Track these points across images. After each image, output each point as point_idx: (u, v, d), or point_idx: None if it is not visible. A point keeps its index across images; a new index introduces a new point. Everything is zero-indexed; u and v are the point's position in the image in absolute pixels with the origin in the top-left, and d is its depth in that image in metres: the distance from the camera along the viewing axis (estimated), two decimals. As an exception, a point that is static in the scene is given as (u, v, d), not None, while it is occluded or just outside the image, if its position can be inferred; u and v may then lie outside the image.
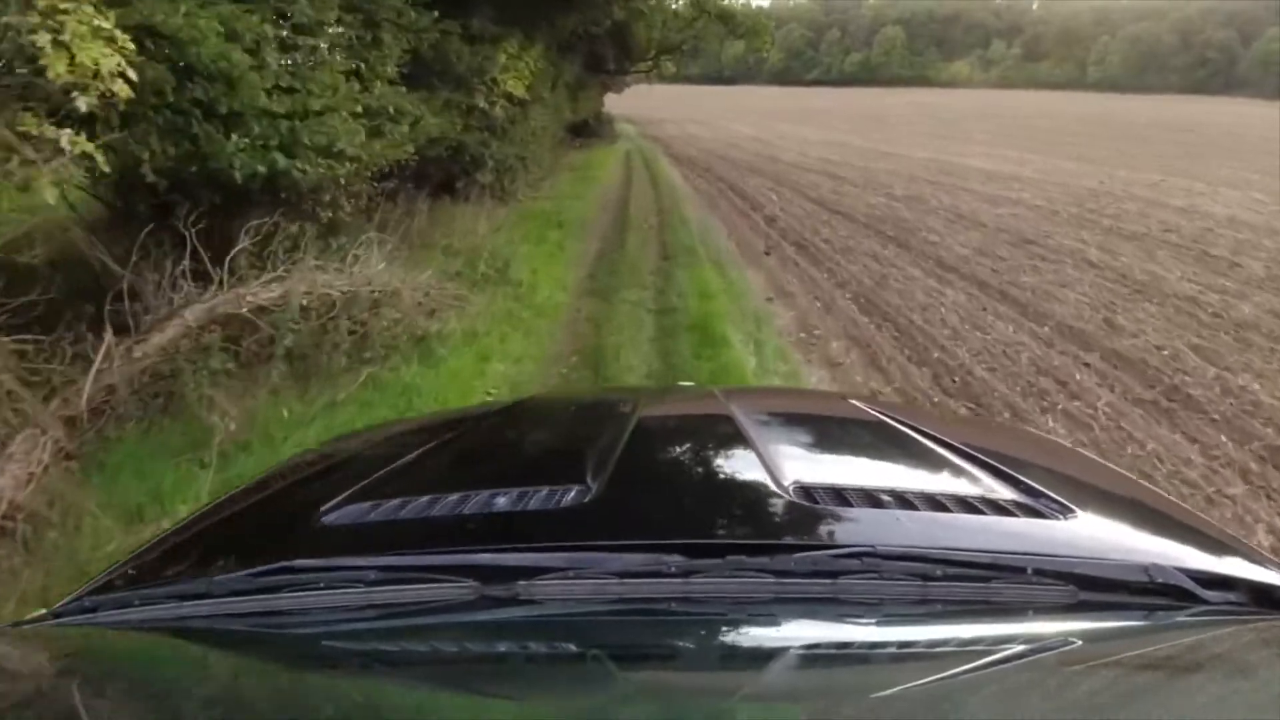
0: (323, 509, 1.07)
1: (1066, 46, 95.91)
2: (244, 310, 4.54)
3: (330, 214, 6.18)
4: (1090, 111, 48.88)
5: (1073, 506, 1.05)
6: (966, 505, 1.05)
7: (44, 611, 0.99)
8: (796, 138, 33.40)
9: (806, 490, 1.06)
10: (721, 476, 1.29)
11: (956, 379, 5.73)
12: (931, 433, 1.37)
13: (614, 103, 42.22)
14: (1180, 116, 43.45)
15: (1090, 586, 0.89)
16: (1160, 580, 0.90)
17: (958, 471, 1.20)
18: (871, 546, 0.91)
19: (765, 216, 12.81)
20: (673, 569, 0.89)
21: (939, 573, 0.89)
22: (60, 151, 3.10)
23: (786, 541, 0.97)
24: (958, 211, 13.11)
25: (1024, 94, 75.05)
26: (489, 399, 4.75)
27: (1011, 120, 41.65)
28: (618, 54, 23.02)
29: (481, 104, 9.99)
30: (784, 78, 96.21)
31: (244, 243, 4.88)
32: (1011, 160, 22.77)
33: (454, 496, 1.07)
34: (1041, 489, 1.10)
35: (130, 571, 1.06)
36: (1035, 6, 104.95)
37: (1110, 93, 78.15)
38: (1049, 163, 21.92)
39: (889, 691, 0.73)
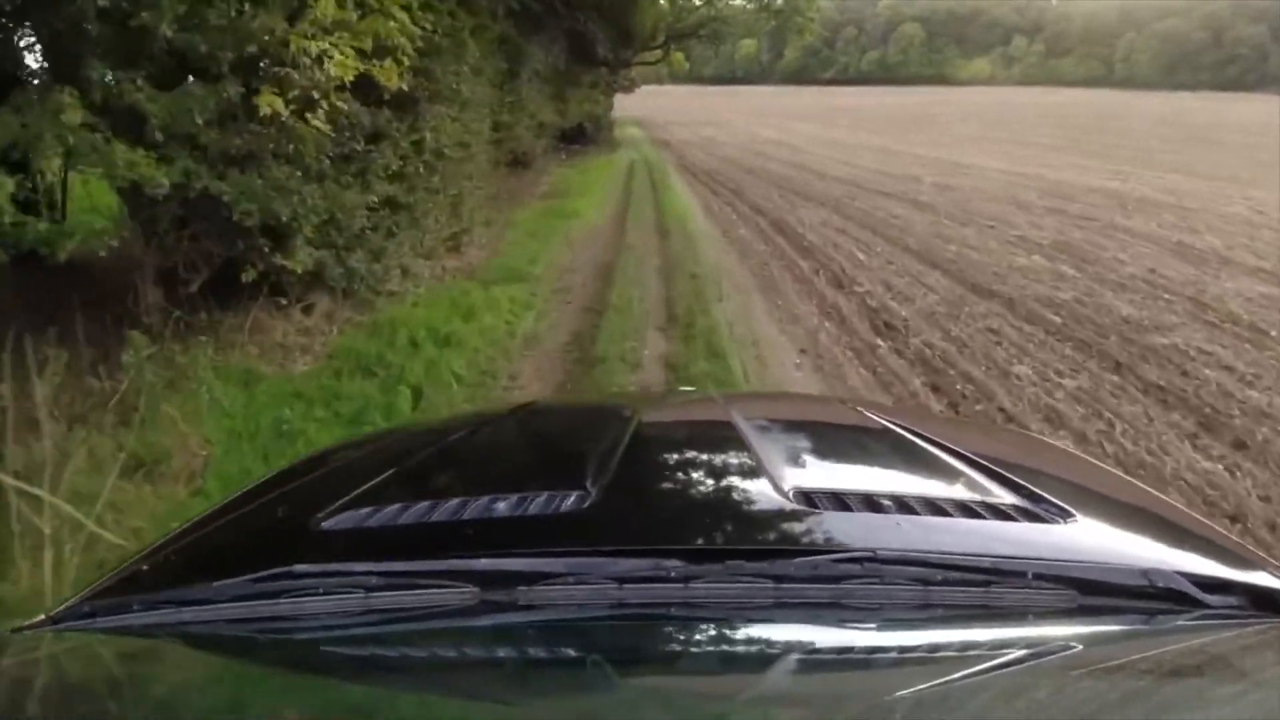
0: (322, 514, 1.01)
1: (1091, 43, 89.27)
2: None
3: None
4: (1134, 109, 42.73)
5: (1073, 511, 1.00)
6: (967, 510, 0.99)
7: (42, 618, 0.93)
8: (828, 141, 27.53)
9: (806, 495, 1.01)
10: (721, 481, 1.20)
11: None
12: (931, 437, 1.31)
13: (619, 103, 37.16)
14: (1234, 116, 37.15)
15: (1091, 591, 0.86)
16: (1160, 584, 0.86)
17: (958, 476, 1.14)
18: (872, 551, 0.87)
19: (871, 315, 6.57)
20: (673, 574, 0.85)
21: (939, 577, 0.85)
22: None
23: (786, 546, 0.93)
24: (1176, 290, 7.24)
25: (1052, 91, 68.69)
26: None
27: (1059, 120, 35.66)
28: (615, 40, 17.01)
29: (267, 106, 4.18)
30: (799, 77, 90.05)
31: None
32: (1112, 174, 16.95)
33: (453, 502, 1.01)
34: (1041, 493, 1.04)
35: (128, 577, 1.02)
36: (1055, 2, 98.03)
37: (1139, 90, 72.14)
38: (1160, 178, 16.12)
39: (890, 696, 0.70)
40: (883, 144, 26.26)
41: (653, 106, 46.31)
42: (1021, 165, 19.07)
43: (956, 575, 0.85)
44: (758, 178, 16.88)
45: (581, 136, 21.10)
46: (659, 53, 17.98)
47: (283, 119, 4.33)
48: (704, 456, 1.30)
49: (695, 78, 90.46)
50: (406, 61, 5.22)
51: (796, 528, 0.97)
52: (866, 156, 22.19)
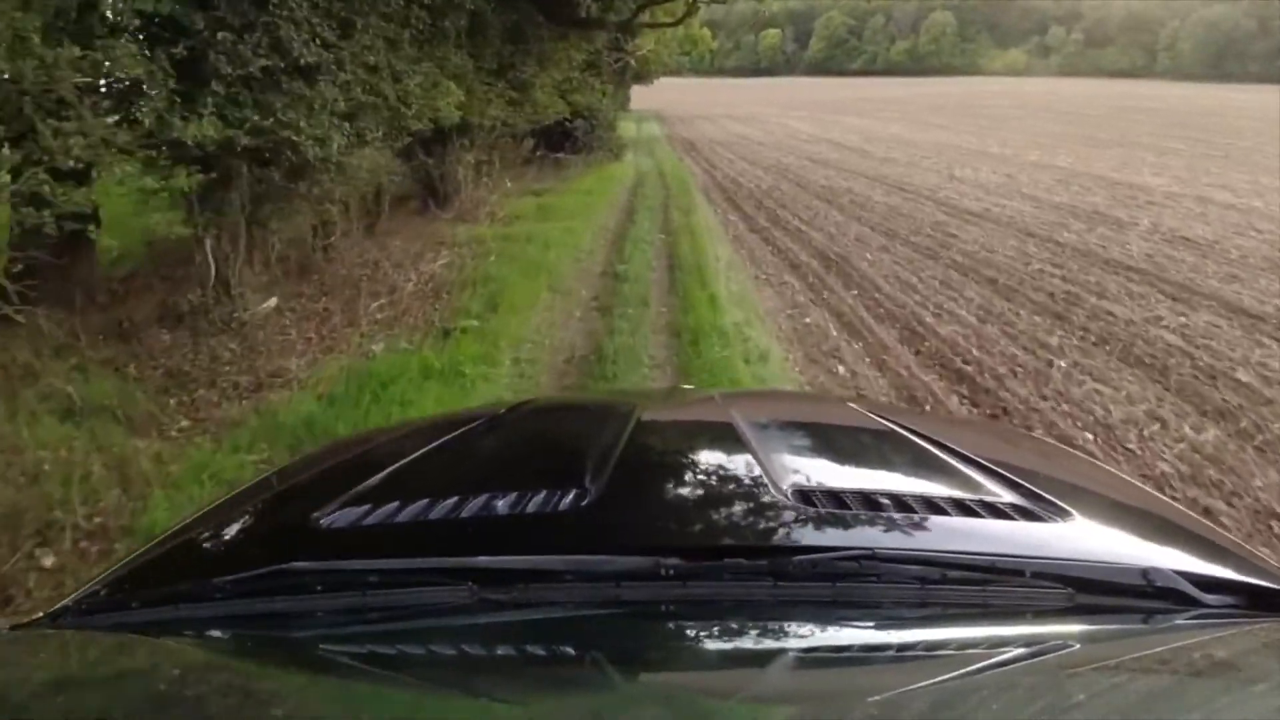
0: (320, 512, 0.96)
1: (1132, 32, 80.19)
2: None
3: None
4: (1207, 104, 34.66)
5: (1070, 510, 0.95)
6: (964, 508, 0.95)
7: (41, 615, 0.89)
8: (896, 141, 20.11)
9: (805, 494, 0.96)
10: (720, 480, 1.12)
11: None
12: (929, 436, 1.23)
13: (636, 98, 30.39)
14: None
15: (1088, 589, 0.82)
16: (1158, 583, 0.82)
17: (955, 475, 1.08)
18: (870, 550, 0.83)
19: None
20: (671, 572, 0.80)
21: (937, 576, 0.81)
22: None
23: (785, 545, 0.89)
24: None
25: (1098, 83, 60.29)
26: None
27: (1149, 118, 27.98)
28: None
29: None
30: (825, 68, 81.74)
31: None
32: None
33: (451, 500, 0.96)
34: (1039, 492, 0.99)
35: (126, 574, 0.97)
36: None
37: (1184, 81, 63.83)
38: None
39: (888, 694, 0.66)
40: (972, 145, 18.96)
41: (672, 99, 39.58)
42: (1204, 188, 11.79)
43: (954, 574, 0.81)
44: (853, 218, 9.47)
45: (567, 140, 13.75)
46: (679, 6, 10.47)
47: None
48: (703, 455, 1.24)
49: (717, 69, 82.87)
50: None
51: (795, 526, 0.92)
52: (970, 165, 14.91)
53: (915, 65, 79.46)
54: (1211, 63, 72.50)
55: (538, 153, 12.74)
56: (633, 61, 15.68)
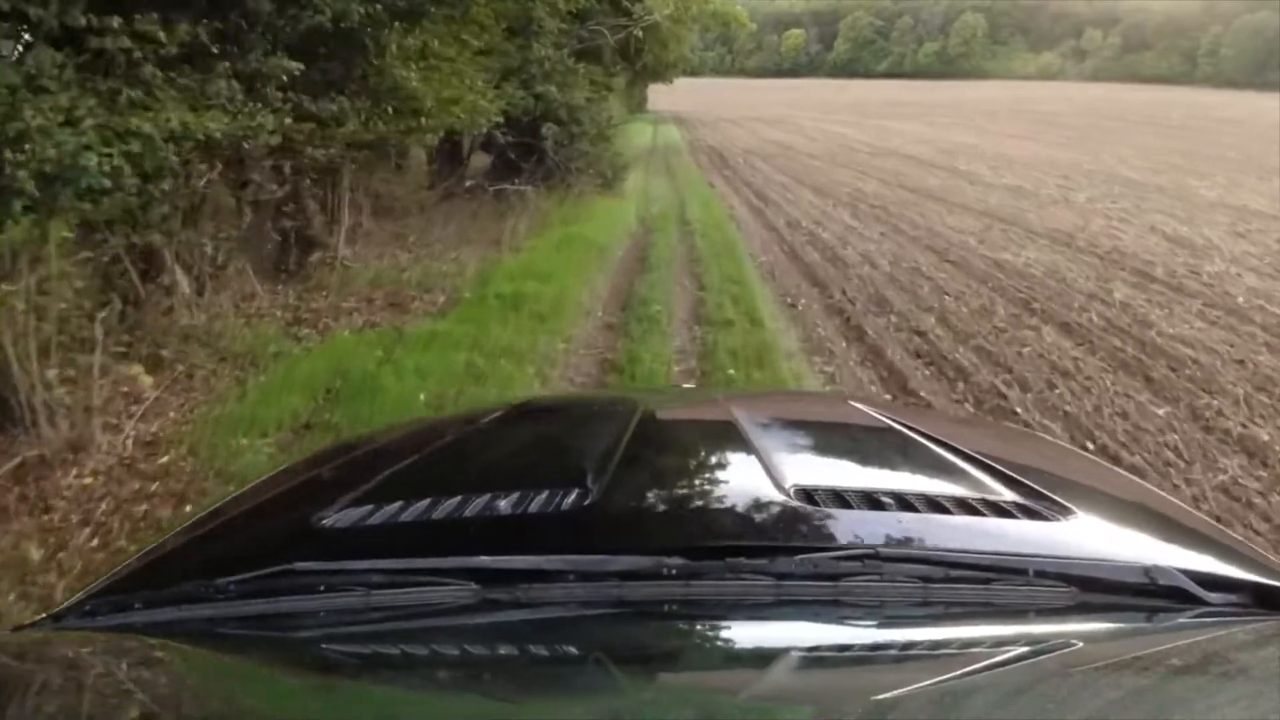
0: (323, 512, 0.94)
1: (1171, 37, 73.68)
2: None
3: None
4: None
5: (1073, 508, 0.93)
6: (967, 507, 0.92)
7: (44, 616, 0.86)
8: (982, 155, 14.63)
9: (807, 492, 0.94)
10: (722, 479, 1.11)
11: None
12: (932, 435, 1.20)
13: (651, 98, 25.37)
14: None
15: (1091, 588, 0.79)
16: (1161, 582, 0.79)
17: (958, 473, 1.05)
18: (872, 548, 0.81)
19: None
20: (674, 572, 0.78)
21: (940, 574, 0.79)
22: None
23: (787, 544, 0.85)
24: None
25: (1146, 89, 54.31)
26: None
27: (1241, 127, 22.61)
28: None
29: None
30: (850, 70, 75.50)
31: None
32: None
33: (454, 499, 0.94)
34: (1042, 490, 0.96)
35: (130, 575, 0.94)
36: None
37: (1226, 89, 57.83)
38: None
39: (890, 694, 0.64)
40: (1091, 165, 13.55)
41: (692, 99, 34.10)
42: None
43: (957, 572, 0.78)
44: (1229, 443, 4.07)
45: (527, 160, 8.24)
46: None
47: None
48: (705, 454, 1.21)
49: (738, 70, 77.14)
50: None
51: (797, 525, 0.89)
52: (1145, 202, 9.52)
53: (945, 68, 73.21)
54: (1254, 70, 66.25)
55: (467, 182, 7.29)
56: (639, 33, 10.24)
